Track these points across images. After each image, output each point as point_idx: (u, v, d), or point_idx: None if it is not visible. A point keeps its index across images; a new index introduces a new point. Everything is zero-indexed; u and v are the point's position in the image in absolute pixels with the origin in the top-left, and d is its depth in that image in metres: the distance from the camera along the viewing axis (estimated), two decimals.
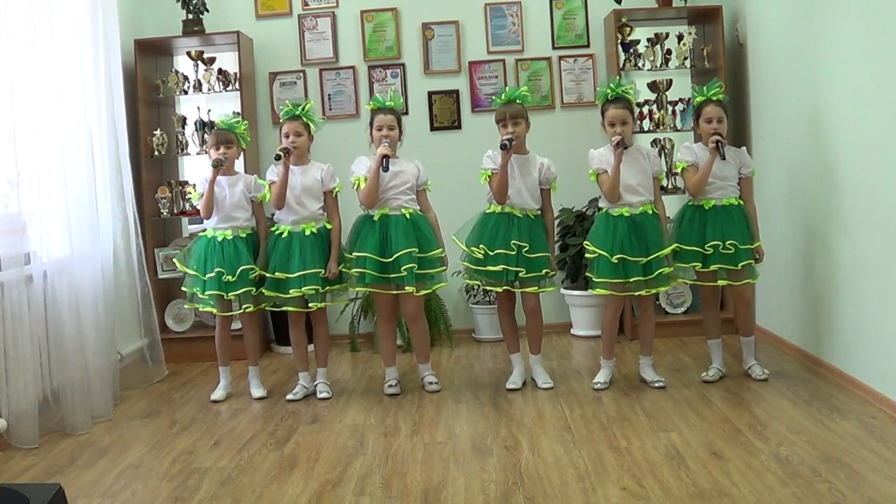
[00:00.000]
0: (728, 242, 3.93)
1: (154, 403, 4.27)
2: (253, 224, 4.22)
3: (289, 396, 4.17)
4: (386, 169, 3.97)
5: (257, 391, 4.24)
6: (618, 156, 3.91)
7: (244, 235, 4.16)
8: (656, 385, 4.01)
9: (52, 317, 3.81)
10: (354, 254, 4.06)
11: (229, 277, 4.04)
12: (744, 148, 4.19)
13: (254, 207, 4.23)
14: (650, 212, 4.00)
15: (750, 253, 4.00)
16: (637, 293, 3.99)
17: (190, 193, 5.24)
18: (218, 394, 4.24)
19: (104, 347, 4.15)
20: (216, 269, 4.04)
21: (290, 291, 4.02)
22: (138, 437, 3.69)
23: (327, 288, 4.09)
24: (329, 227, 4.16)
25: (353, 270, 4.07)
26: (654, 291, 4.02)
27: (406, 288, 4.01)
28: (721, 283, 4.03)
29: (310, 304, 4.09)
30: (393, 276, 4.01)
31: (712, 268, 3.99)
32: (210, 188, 4.10)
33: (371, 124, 4.14)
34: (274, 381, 4.54)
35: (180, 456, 3.40)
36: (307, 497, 2.89)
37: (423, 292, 4.12)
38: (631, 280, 3.93)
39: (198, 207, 4.28)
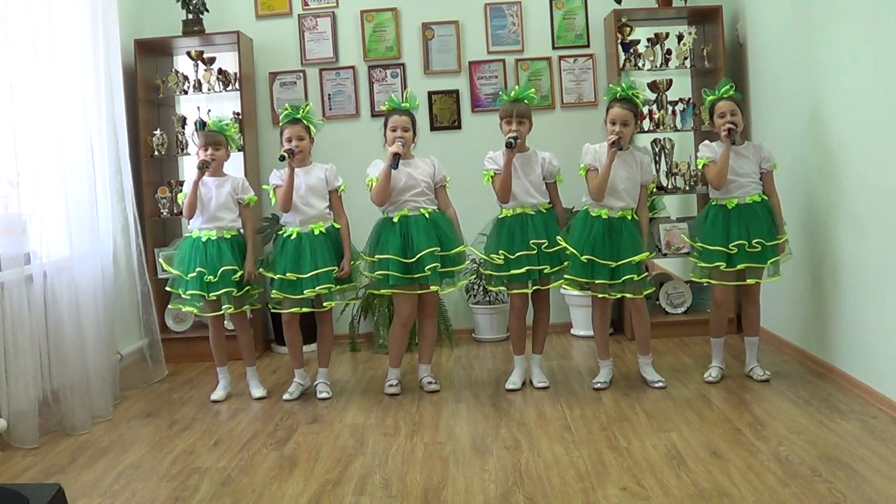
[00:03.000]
0: (755, 241, 3.91)
1: (154, 403, 4.27)
2: (238, 225, 4.21)
3: (285, 396, 4.17)
4: (395, 166, 3.97)
5: (257, 391, 4.24)
6: (611, 155, 3.91)
7: (229, 237, 4.15)
8: (656, 385, 4.01)
9: (52, 317, 3.81)
10: (377, 256, 4.05)
11: (210, 278, 4.04)
12: (762, 144, 4.15)
13: (240, 209, 4.22)
14: (629, 217, 3.99)
15: (777, 250, 3.96)
16: (601, 295, 4.01)
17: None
18: (217, 394, 4.24)
19: (104, 347, 4.15)
20: (198, 270, 4.05)
21: (304, 292, 4.01)
22: (138, 437, 3.69)
23: (337, 287, 4.09)
24: (337, 226, 4.16)
25: (375, 273, 4.07)
26: (617, 296, 4.02)
27: (431, 287, 4.03)
28: (750, 281, 4.00)
29: (324, 304, 4.09)
30: (417, 276, 4.01)
31: (738, 267, 3.96)
32: (193, 189, 4.10)
33: (385, 125, 4.13)
34: (273, 381, 4.54)
35: (180, 456, 3.40)
36: (307, 497, 2.89)
37: (447, 290, 4.16)
38: (596, 282, 3.94)
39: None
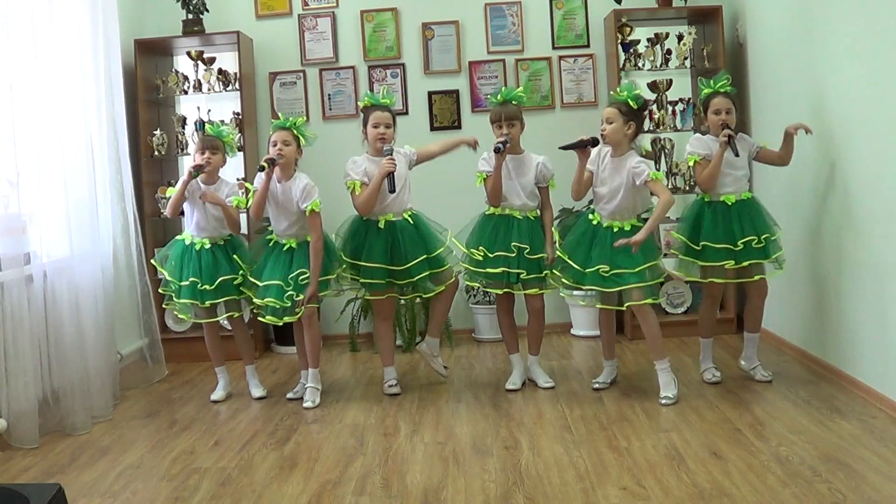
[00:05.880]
0: (763, 236, 3.87)
1: (154, 403, 4.27)
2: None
3: (289, 395, 4.18)
4: (392, 189, 3.93)
5: (257, 391, 4.24)
6: (584, 153, 3.88)
7: (222, 242, 4.15)
8: (663, 402, 3.94)
9: (52, 317, 3.81)
10: (362, 263, 4.02)
11: (206, 286, 4.03)
12: (741, 134, 4.06)
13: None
14: (628, 228, 3.82)
15: (776, 245, 3.93)
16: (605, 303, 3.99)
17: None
18: (217, 394, 4.24)
19: (104, 347, 4.15)
20: (191, 279, 4.04)
21: (255, 300, 4.03)
22: (138, 437, 3.69)
23: (301, 296, 3.91)
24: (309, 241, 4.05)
25: (361, 280, 4.07)
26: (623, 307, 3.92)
27: (424, 295, 4.08)
28: (756, 277, 3.96)
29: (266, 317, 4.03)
30: (405, 282, 4.02)
31: (744, 264, 3.91)
32: (181, 188, 4.05)
33: (365, 123, 4.10)
34: (274, 381, 4.54)
35: (180, 456, 3.40)
36: (307, 497, 2.89)
37: (438, 289, 4.10)
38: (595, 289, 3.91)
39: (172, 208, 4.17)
